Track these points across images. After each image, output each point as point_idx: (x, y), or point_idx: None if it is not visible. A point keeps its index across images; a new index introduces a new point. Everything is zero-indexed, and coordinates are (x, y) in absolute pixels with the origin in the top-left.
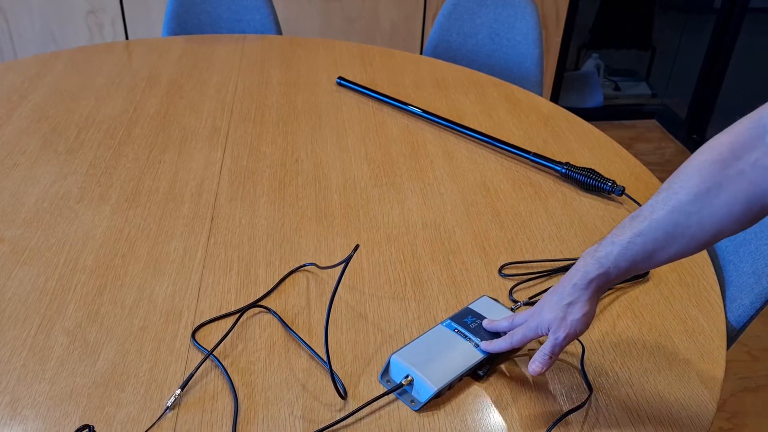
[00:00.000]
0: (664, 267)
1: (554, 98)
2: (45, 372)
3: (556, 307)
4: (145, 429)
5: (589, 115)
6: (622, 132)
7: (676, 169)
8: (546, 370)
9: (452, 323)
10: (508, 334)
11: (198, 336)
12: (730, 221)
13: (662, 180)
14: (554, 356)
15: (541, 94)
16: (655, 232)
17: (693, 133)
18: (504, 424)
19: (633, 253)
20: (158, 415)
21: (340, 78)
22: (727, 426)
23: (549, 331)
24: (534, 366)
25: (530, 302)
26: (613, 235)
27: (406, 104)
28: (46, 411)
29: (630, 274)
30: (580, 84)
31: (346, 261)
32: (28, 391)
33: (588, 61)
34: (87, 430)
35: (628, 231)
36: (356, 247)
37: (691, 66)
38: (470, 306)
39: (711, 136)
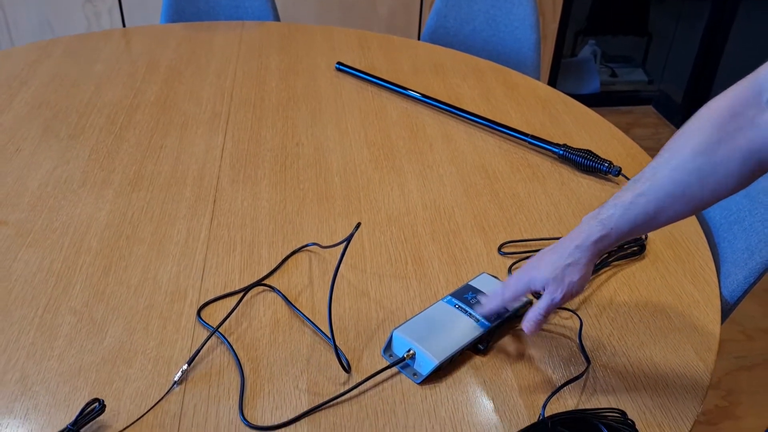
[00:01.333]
0: (660, 244)
1: (551, 84)
2: (53, 349)
3: (554, 266)
4: (154, 402)
5: (586, 101)
6: (618, 118)
7: None
8: (538, 328)
9: (453, 299)
10: (500, 292)
11: (203, 314)
12: (729, 178)
13: None
14: (547, 316)
15: (538, 79)
16: (657, 192)
17: (689, 119)
18: (504, 395)
19: (635, 214)
20: (166, 390)
21: (339, 63)
22: (723, 404)
23: (544, 289)
24: (528, 324)
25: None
26: (615, 197)
27: (404, 89)
28: (55, 387)
29: (631, 235)
30: (577, 70)
31: (348, 239)
32: (38, 368)
33: (585, 47)
34: (97, 403)
35: (629, 192)
36: (358, 225)
37: (687, 52)
38: (470, 283)
39: None
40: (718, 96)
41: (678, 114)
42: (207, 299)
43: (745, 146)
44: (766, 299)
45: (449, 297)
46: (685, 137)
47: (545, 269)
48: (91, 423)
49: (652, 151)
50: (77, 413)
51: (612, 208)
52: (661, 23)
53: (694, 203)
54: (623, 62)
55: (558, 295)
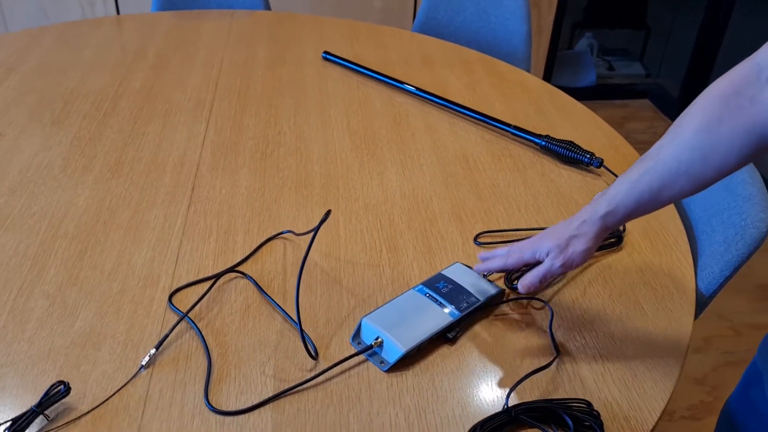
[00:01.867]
0: (638, 236)
1: (547, 77)
2: (24, 332)
3: (560, 236)
4: (120, 386)
5: (581, 94)
6: (614, 111)
7: None
8: (534, 290)
9: (424, 288)
10: (504, 254)
11: (175, 300)
12: (731, 155)
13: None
14: (545, 282)
15: (529, 71)
16: (662, 170)
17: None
18: (470, 384)
19: (640, 191)
20: (133, 373)
21: (326, 52)
22: (708, 399)
23: (546, 256)
24: (524, 283)
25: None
26: (623, 175)
27: (389, 78)
28: (24, 369)
29: (638, 212)
30: (573, 63)
31: (318, 226)
32: (7, 350)
33: (581, 40)
34: (62, 386)
35: (636, 170)
36: (328, 213)
37: (685, 46)
38: (442, 272)
39: None
40: (719, 77)
41: (674, 108)
42: (179, 285)
43: (747, 123)
44: (754, 295)
45: (420, 286)
46: (689, 117)
47: (550, 239)
48: (56, 405)
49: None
50: (42, 395)
51: (620, 185)
52: (659, 16)
53: (698, 180)
54: (621, 55)
55: (558, 262)
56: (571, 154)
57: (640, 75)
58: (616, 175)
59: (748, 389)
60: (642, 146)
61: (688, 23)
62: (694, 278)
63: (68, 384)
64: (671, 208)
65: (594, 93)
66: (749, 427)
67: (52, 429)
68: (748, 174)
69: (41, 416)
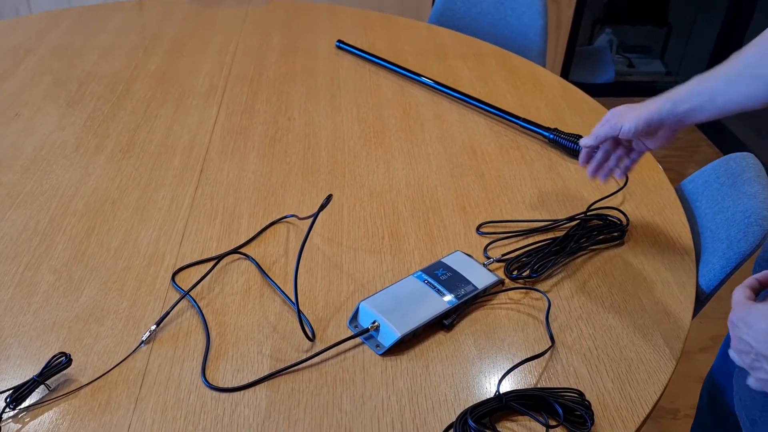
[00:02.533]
0: (642, 231)
1: (565, 72)
2: (30, 305)
3: (628, 112)
4: (120, 360)
5: (600, 90)
6: None
7: (683, 147)
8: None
9: (423, 275)
10: (592, 132)
11: (178, 279)
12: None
13: (655, 155)
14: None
15: (543, 65)
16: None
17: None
18: (464, 370)
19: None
20: (133, 348)
21: (339, 41)
22: None
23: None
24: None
25: (502, 259)
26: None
27: (401, 68)
28: (28, 341)
29: (692, 113)
30: (592, 59)
31: (319, 210)
32: (13, 322)
33: (601, 36)
34: (63, 357)
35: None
36: (329, 197)
37: (706, 44)
38: (442, 260)
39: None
40: None
41: None
42: (183, 264)
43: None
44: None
45: (420, 272)
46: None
47: (628, 116)
48: (57, 376)
49: None
50: (43, 365)
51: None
52: (682, 14)
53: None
54: (642, 53)
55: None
56: (578, 148)
57: (659, 73)
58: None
59: (726, 358)
60: None
61: (710, 21)
62: (695, 274)
63: (69, 356)
64: (676, 202)
65: (612, 90)
66: (728, 394)
67: (53, 398)
68: (754, 172)
69: (42, 386)
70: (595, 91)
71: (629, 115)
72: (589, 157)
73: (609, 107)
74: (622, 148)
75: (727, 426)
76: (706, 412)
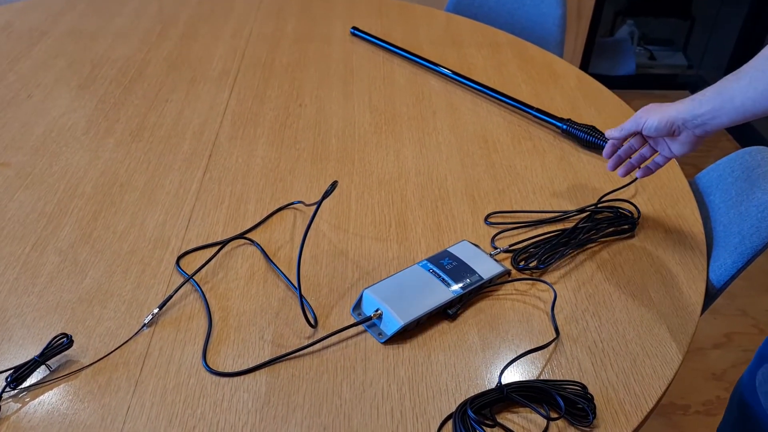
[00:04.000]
0: (653, 223)
1: (585, 64)
2: (35, 286)
3: (656, 109)
4: (122, 342)
5: (620, 83)
6: (652, 101)
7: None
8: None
9: (428, 264)
10: (621, 125)
11: (182, 263)
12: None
13: None
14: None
15: (561, 56)
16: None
17: None
18: (466, 360)
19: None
20: (135, 331)
21: (354, 28)
22: (725, 395)
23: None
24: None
25: (510, 250)
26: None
27: (415, 55)
28: (31, 321)
29: (722, 112)
30: (612, 51)
31: (323, 196)
32: (17, 302)
33: (623, 27)
34: (65, 338)
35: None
36: (334, 183)
37: (729, 37)
38: (449, 249)
39: None
40: None
41: None
42: (188, 248)
43: None
44: None
45: (425, 261)
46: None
47: (652, 115)
48: (58, 357)
49: None
50: (45, 346)
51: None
52: (705, 6)
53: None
54: (664, 45)
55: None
56: (591, 139)
57: (681, 66)
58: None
59: (758, 369)
60: None
61: (734, 14)
62: (705, 269)
63: (71, 337)
64: (689, 195)
65: (633, 82)
66: (756, 407)
67: (53, 379)
68: None
69: (43, 366)
70: (615, 83)
71: (656, 112)
72: (614, 151)
73: (630, 100)
74: (649, 149)
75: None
76: (736, 419)
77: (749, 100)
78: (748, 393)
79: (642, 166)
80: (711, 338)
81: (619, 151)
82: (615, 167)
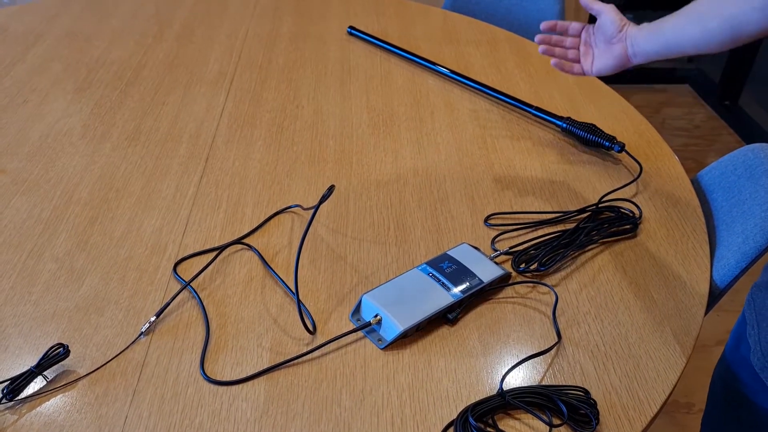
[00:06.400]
0: (655, 223)
1: None
2: (31, 294)
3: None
4: (119, 351)
5: (619, 77)
6: (651, 96)
7: (702, 135)
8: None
9: (428, 267)
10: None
11: (179, 269)
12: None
13: (673, 142)
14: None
15: None
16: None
17: (725, 99)
18: (467, 365)
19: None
20: (132, 339)
21: (351, 27)
22: None
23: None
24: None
25: (510, 252)
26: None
27: (412, 54)
28: (28, 330)
29: (659, 50)
30: None
31: (320, 201)
32: (14, 311)
33: None
34: (61, 348)
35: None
36: (331, 188)
37: None
38: (448, 252)
39: (744, 103)
40: None
41: (713, 94)
42: (186, 254)
43: (728, 13)
44: None
45: (424, 265)
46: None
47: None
48: (55, 367)
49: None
50: (41, 356)
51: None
52: None
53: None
54: None
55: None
56: (591, 137)
57: (681, 60)
58: (638, 161)
59: (739, 343)
60: (678, 132)
61: None
62: (709, 269)
63: (67, 346)
64: (691, 194)
65: (632, 77)
66: (741, 379)
67: (50, 390)
68: None
69: (40, 377)
70: (613, 77)
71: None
72: (550, 29)
73: (629, 96)
74: (574, 52)
75: (741, 411)
76: (719, 400)
77: (678, 30)
78: (735, 366)
79: (562, 61)
80: (714, 336)
81: (554, 37)
82: (544, 46)
